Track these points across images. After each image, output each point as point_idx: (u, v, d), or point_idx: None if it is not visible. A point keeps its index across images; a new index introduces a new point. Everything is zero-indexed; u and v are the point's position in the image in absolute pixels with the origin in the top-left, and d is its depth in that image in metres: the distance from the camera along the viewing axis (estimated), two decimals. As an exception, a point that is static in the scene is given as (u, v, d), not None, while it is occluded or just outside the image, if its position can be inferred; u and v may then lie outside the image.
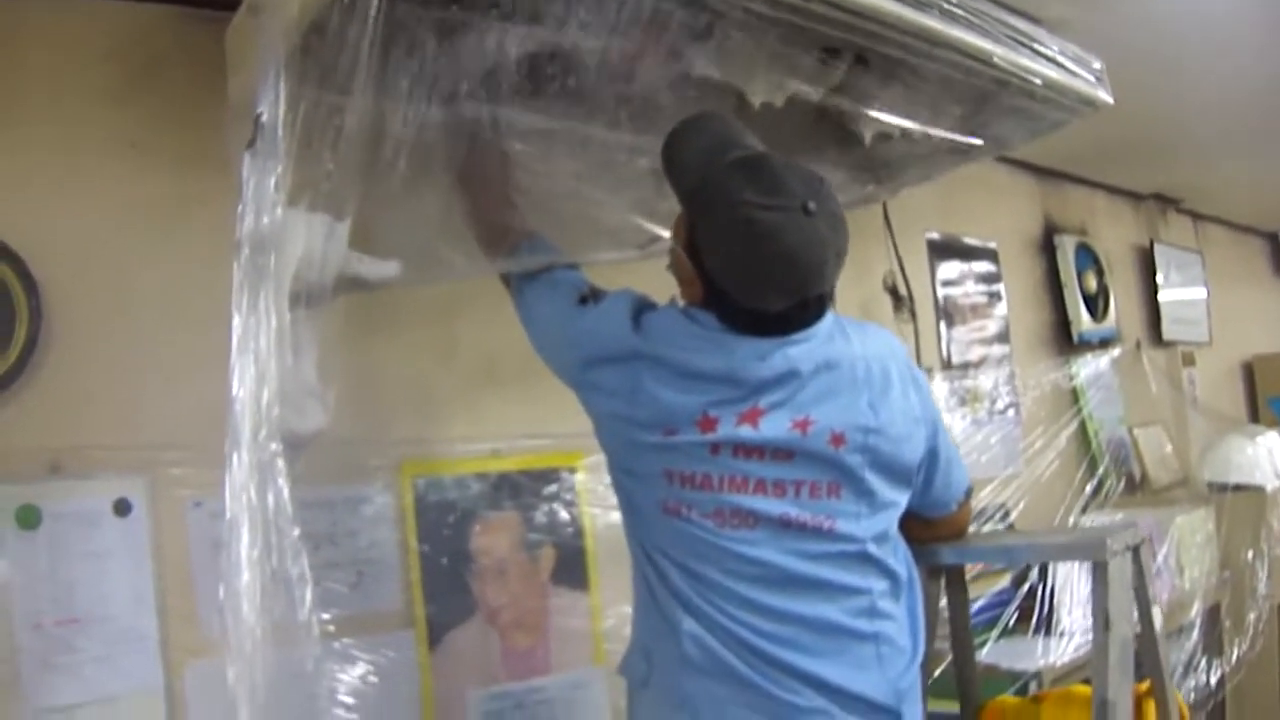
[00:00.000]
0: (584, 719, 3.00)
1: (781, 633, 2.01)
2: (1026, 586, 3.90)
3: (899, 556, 2.17)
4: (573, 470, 3.04)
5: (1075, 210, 5.52)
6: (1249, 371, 7.11)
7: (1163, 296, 6.00)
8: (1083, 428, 5.12)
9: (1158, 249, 6.05)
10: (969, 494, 2.41)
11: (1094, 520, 4.61)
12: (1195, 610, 4.49)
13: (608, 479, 2.89)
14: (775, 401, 2.03)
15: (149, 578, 2.40)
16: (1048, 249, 5.26)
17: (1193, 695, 4.46)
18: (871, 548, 2.09)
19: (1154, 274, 5.99)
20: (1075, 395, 5.17)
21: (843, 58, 2.45)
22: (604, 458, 2.81)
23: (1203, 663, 4.53)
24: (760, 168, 2.03)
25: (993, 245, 4.89)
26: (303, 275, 1.99)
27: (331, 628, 2.46)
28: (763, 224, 1.97)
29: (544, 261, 2.28)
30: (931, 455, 2.23)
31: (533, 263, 2.28)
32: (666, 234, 2.47)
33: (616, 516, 2.89)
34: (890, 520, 2.15)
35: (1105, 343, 5.42)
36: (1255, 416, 6.85)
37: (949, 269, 4.64)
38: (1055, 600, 3.82)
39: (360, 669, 2.57)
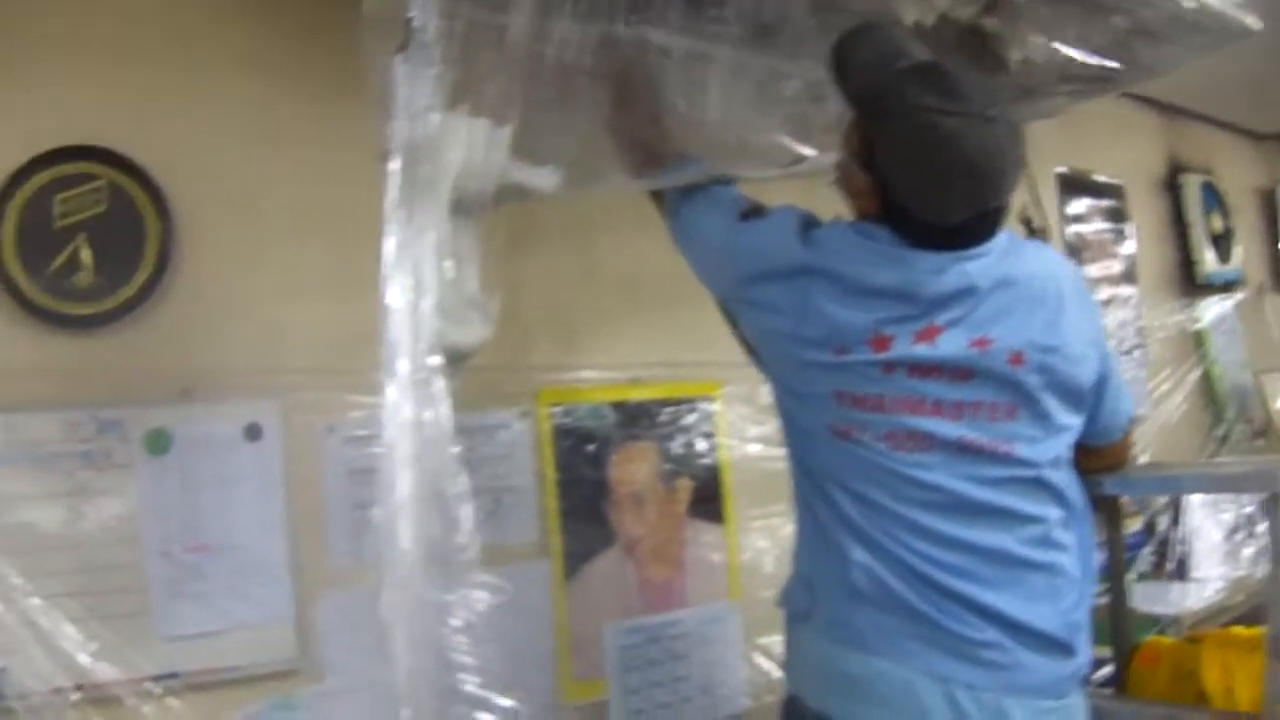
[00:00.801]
0: (719, 654, 2.96)
1: (956, 562, 1.94)
2: (1158, 531, 3.79)
3: (1072, 484, 2.09)
4: (711, 400, 2.99)
5: (1199, 149, 5.38)
6: None
7: None
8: (1207, 373, 5.01)
9: None
10: (1133, 423, 2.33)
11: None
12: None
13: (745, 409, 2.98)
14: (952, 319, 1.95)
15: (280, 505, 2.37)
16: (1172, 188, 5.16)
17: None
18: (1047, 473, 2.02)
19: (1276, 217, 5.87)
20: (1199, 339, 5.07)
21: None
22: (743, 388, 2.91)
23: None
24: (938, 74, 1.95)
25: (1119, 182, 4.78)
26: (463, 182, 1.92)
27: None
28: (944, 129, 1.88)
29: (700, 177, 2.22)
30: (1102, 380, 2.14)
31: (689, 179, 2.22)
32: (813, 153, 2.43)
33: (754, 449, 3.00)
34: (1065, 445, 2.08)
35: (1229, 286, 5.32)
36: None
37: (1077, 205, 4.54)
38: (1188, 546, 3.71)
39: (494, 600, 2.52)
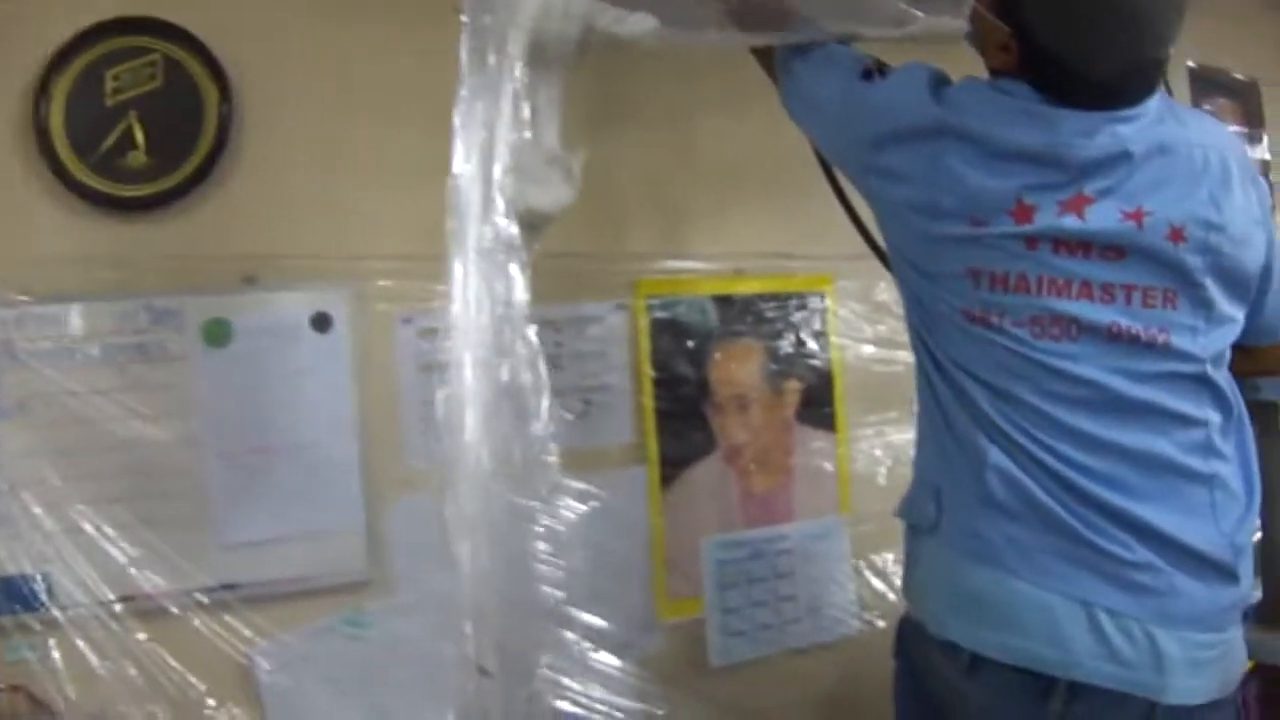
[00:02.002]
0: (827, 572, 2.79)
1: (1105, 468, 1.73)
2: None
3: (1232, 386, 1.87)
4: (823, 296, 2.79)
5: None
6: None
7: None
8: None
9: None
10: None
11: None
12: None
13: (859, 306, 2.82)
14: (1104, 188, 1.73)
15: (351, 401, 2.24)
16: None
17: None
18: (1210, 370, 1.80)
19: None
20: None
21: None
22: (857, 282, 2.77)
23: None
24: None
25: (1254, 80, 4.46)
26: (542, 26, 1.72)
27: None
28: None
29: (817, 35, 2.01)
30: (1267, 269, 1.90)
31: (805, 38, 2.01)
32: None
33: (869, 350, 2.83)
34: (1227, 339, 1.85)
35: None
36: None
37: (1210, 105, 4.21)
38: None
39: (586, 508, 2.36)
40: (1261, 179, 1.92)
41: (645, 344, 2.56)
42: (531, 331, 1.65)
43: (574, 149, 1.77)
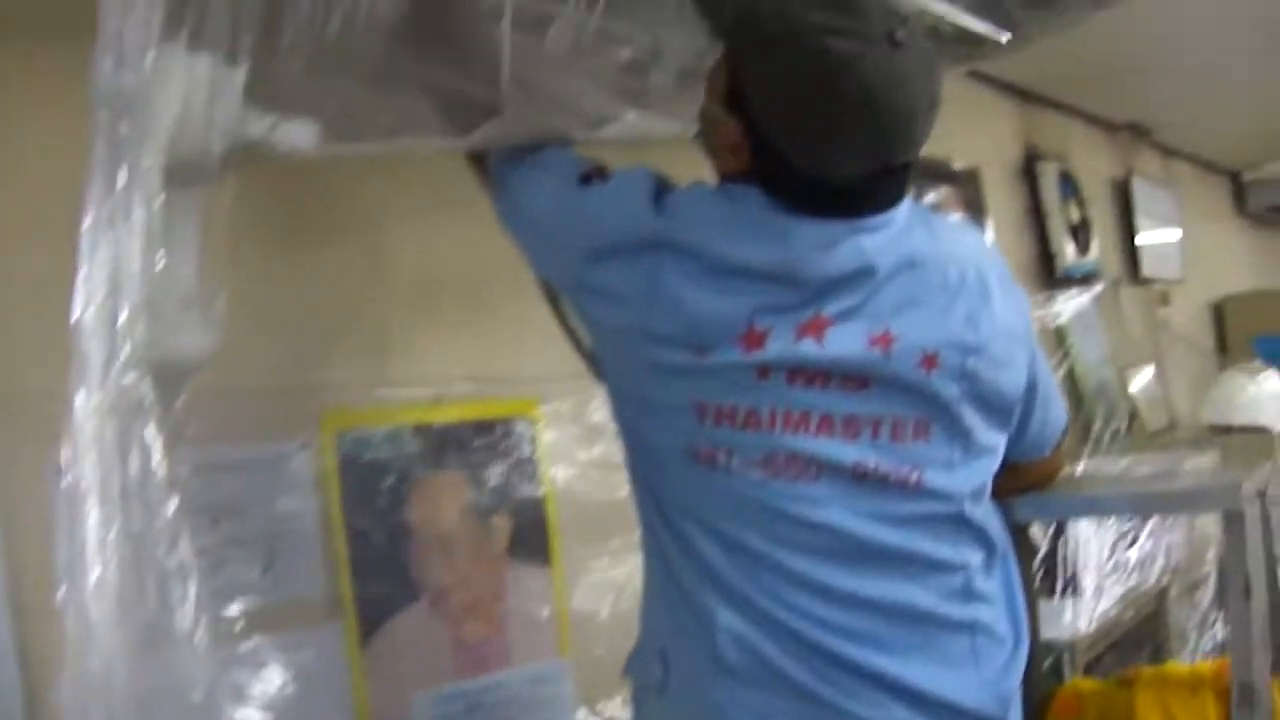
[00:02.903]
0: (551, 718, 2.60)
1: (852, 623, 1.59)
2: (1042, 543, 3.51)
3: (993, 519, 1.75)
4: (531, 421, 2.60)
5: (1055, 137, 5.26)
6: (1218, 312, 7.09)
7: (1140, 232, 5.86)
8: (1071, 371, 4.86)
9: (1135, 182, 5.88)
10: (1065, 434, 1.99)
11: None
12: (1209, 562, 4.29)
13: (573, 429, 2.63)
14: (846, 309, 1.59)
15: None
16: (1029, 176, 5.00)
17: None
18: (968, 507, 1.68)
19: (1131, 208, 5.83)
20: (1060, 335, 4.89)
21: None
22: (569, 404, 2.57)
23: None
24: None
25: (974, 169, 4.59)
26: (181, 140, 1.47)
27: (238, 624, 2.04)
28: (837, 54, 1.50)
29: (531, 137, 1.85)
30: (1030, 388, 1.80)
31: (515, 138, 1.85)
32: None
33: (584, 476, 2.63)
34: (988, 471, 1.73)
35: (1087, 278, 5.16)
36: (1224, 356, 6.79)
37: (932, 193, 4.31)
38: (1076, 559, 3.48)
39: (276, 675, 2.12)
40: (1020, 289, 1.82)
41: (335, 484, 2.30)
42: (172, 504, 1.39)
43: (216, 287, 1.52)
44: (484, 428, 2.53)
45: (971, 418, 1.66)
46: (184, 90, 1.46)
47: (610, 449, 2.50)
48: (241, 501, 2.17)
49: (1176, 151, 6.72)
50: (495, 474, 2.53)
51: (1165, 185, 6.36)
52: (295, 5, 1.53)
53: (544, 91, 1.92)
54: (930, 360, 1.61)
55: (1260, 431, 4.76)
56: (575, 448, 2.65)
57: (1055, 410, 1.90)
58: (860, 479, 1.60)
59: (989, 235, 4.54)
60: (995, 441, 1.72)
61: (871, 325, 1.59)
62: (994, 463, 1.73)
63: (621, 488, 1.83)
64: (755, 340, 1.56)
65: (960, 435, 1.65)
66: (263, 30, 1.50)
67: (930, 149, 4.20)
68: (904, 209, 1.65)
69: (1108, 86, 5.13)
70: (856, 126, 1.54)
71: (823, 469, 1.58)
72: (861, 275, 1.59)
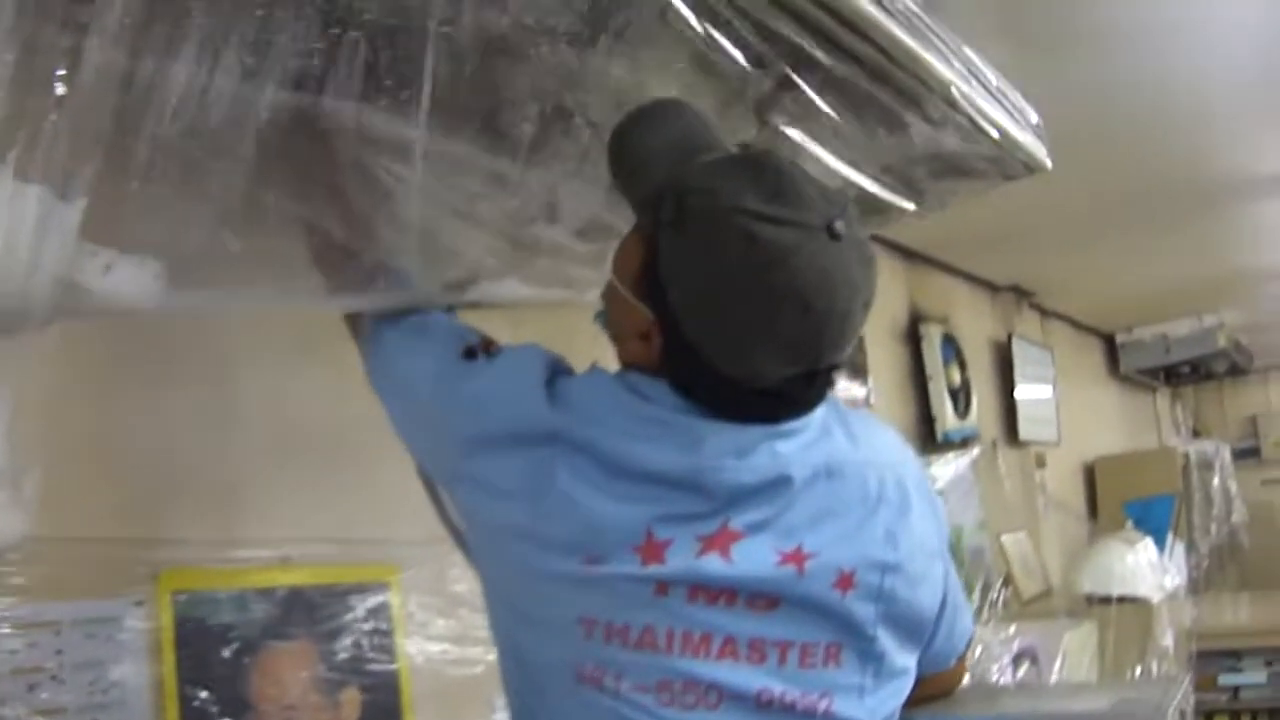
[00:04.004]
0: None
1: None
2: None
3: None
4: (386, 587, 2.46)
5: (938, 298, 5.33)
6: (1090, 474, 7.21)
7: (1019, 394, 5.91)
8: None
9: (1015, 343, 5.96)
10: (970, 643, 1.87)
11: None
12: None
13: (430, 599, 2.49)
14: (757, 521, 1.46)
15: None
16: (913, 338, 5.01)
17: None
18: None
19: (1011, 369, 5.89)
20: None
21: (771, 70, 1.91)
22: (427, 572, 2.43)
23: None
24: (765, 166, 1.45)
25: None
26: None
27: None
28: (770, 244, 1.38)
29: (409, 299, 1.73)
30: (943, 603, 1.68)
31: (395, 299, 1.73)
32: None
33: (442, 649, 2.49)
34: (899, 696, 1.60)
35: (966, 442, 5.17)
36: (1095, 520, 6.93)
37: None
38: None
39: None
40: (938, 497, 1.71)
41: (169, 651, 2.14)
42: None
43: (27, 464, 1.38)
44: (336, 594, 2.39)
45: (886, 640, 1.54)
46: (8, 222, 1.31)
47: (471, 620, 2.41)
48: (63, 666, 2.00)
49: (1055, 313, 6.88)
50: (346, 645, 2.40)
51: (1044, 346, 6.47)
52: (149, 135, 1.40)
53: (429, 236, 1.82)
54: (846, 580, 1.49)
55: (1138, 602, 4.80)
56: (434, 618, 2.52)
57: (963, 621, 1.78)
58: (764, 707, 1.45)
59: (871, 399, 4.52)
60: (908, 663, 1.60)
61: (784, 540, 1.46)
62: (906, 685, 1.61)
63: (480, 662, 1.73)
64: (654, 552, 1.42)
65: (873, 659, 1.53)
66: (107, 158, 1.36)
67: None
68: (820, 409, 1.55)
69: (991, 250, 5.22)
70: (787, 327, 1.41)
71: (724, 697, 1.44)
72: (776, 485, 1.47)
